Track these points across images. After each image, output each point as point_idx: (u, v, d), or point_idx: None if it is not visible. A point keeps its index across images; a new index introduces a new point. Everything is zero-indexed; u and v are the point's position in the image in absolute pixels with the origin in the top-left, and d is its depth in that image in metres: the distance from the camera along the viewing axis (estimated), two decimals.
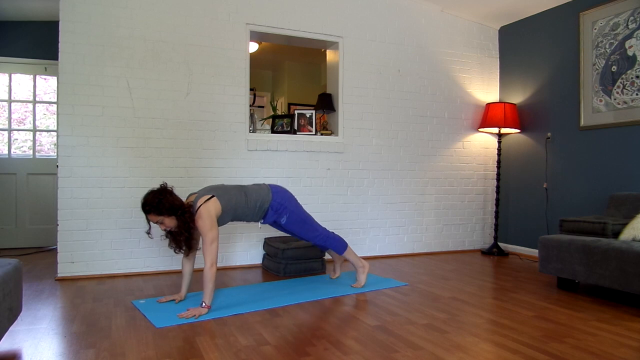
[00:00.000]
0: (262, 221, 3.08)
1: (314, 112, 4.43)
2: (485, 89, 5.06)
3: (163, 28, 3.79)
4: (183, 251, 2.81)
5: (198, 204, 2.70)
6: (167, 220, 2.65)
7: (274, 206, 3.00)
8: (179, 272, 3.75)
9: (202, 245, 2.69)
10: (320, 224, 4.25)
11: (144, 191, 3.68)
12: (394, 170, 4.62)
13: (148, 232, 2.80)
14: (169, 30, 3.81)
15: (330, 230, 3.50)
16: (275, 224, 3.16)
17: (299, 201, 3.23)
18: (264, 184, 3.11)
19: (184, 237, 2.71)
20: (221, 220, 2.84)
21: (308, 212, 4.22)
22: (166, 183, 2.75)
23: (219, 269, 3.83)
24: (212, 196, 2.75)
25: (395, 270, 3.93)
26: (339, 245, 3.28)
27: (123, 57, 3.68)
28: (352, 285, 3.31)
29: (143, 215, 2.69)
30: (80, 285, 3.36)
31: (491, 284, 3.49)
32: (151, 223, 2.73)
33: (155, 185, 3.74)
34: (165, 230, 2.73)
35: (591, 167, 4.10)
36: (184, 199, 2.77)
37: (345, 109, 4.42)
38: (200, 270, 2.90)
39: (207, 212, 2.69)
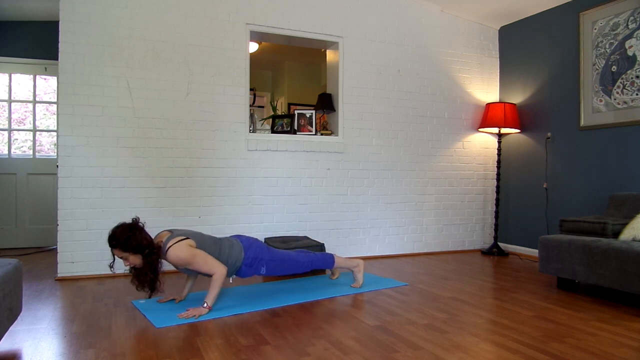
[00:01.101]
0: (233, 277, 2.96)
1: (314, 112, 4.43)
2: (485, 89, 5.06)
3: (163, 28, 3.79)
4: (146, 291, 2.66)
5: (168, 245, 2.59)
6: (132, 257, 2.56)
7: (247, 263, 2.87)
8: (179, 272, 3.75)
9: (201, 271, 2.66)
10: (319, 225, 4.29)
11: (144, 191, 3.73)
12: (394, 170, 4.62)
13: (111, 266, 2.67)
14: (169, 30, 3.81)
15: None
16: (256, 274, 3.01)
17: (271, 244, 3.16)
18: (236, 240, 2.92)
19: (148, 278, 2.59)
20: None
21: (308, 213, 4.26)
22: (138, 218, 2.65)
23: None
24: (186, 237, 2.66)
25: (395, 270, 3.93)
26: (326, 263, 3.22)
27: (123, 57, 3.68)
28: (352, 285, 3.31)
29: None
30: (80, 285, 3.36)
31: (491, 284, 3.49)
32: (115, 257, 2.64)
33: (157, 185, 3.76)
34: (128, 266, 2.63)
35: (591, 167, 4.10)
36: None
37: (345, 109, 4.42)
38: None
39: (179, 249, 2.58)
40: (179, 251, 2.59)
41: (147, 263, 2.58)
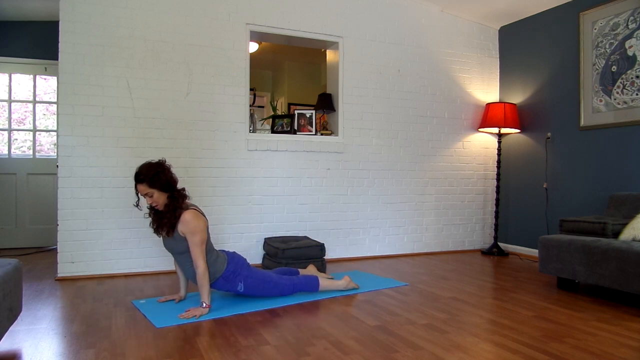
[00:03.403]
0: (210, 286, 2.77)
1: (314, 112, 4.42)
2: (485, 89, 5.06)
3: (163, 28, 3.79)
4: (162, 233, 2.67)
5: (193, 206, 2.67)
6: (157, 195, 2.56)
7: (225, 275, 2.79)
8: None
9: (191, 247, 2.61)
10: (319, 225, 4.29)
11: None
12: (394, 170, 4.62)
13: (137, 204, 2.65)
14: (169, 30, 3.81)
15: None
16: (233, 292, 2.90)
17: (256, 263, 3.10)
18: (222, 253, 2.87)
19: (170, 219, 2.59)
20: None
21: (308, 213, 4.26)
22: (164, 159, 2.67)
23: None
24: (205, 218, 2.71)
25: (395, 270, 3.93)
26: (310, 285, 3.06)
27: (123, 57, 3.68)
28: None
29: (143, 214, 2.65)
30: (80, 285, 3.36)
31: (491, 284, 3.49)
32: (140, 195, 2.61)
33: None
34: (150, 205, 2.63)
35: (591, 167, 4.10)
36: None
37: (345, 109, 4.42)
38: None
39: (197, 215, 2.64)
40: (196, 217, 2.61)
41: (170, 204, 2.58)
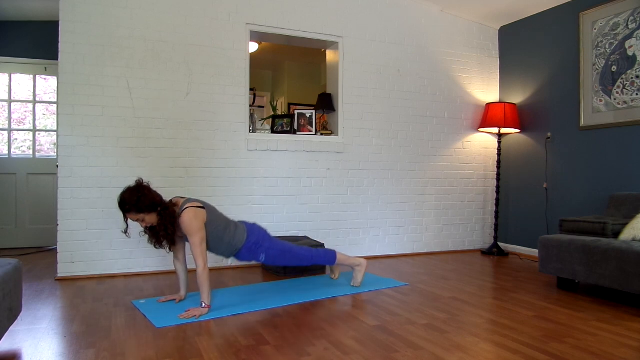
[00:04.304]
0: (233, 257, 2.97)
1: (314, 112, 4.42)
2: (485, 89, 5.06)
3: (163, 28, 3.79)
4: (164, 247, 2.72)
5: (186, 205, 2.67)
6: (148, 217, 2.59)
7: (247, 246, 2.90)
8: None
9: (191, 247, 2.64)
10: (319, 225, 4.29)
11: None
12: (394, 170, 4.62)
13: (125, 232, 2.68)
14: (169, 30, 3.81)
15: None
16: (256, 261, 3.02)
17: (275, 232, 3.19)
18: (242, 224, 2.97)
19: (164, 233, 2.63)
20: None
21: (308, 213, 4.26)
22: (141, 179, 2.68)
23: (219, 269, 3.84)
24: (202, 206, 2.73)
25: (395, 270, 3.93)
26: (327, 259, 3.21)
27: (123, 57, 3.68)
28: (351, 283, 3.32)
29: (138, 232, 2.66)
30: (80, 285, 3.36)
31: (491, 284, 3.49)
32: (129, 222, 2.64)
33: (157, 185, 3.75)
34: (145, 227, 2.67)
35: (591, 167, 4.10)
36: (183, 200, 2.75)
37: (345, 109, 4.42)
38: (195, 270, 2.91)
39: (195, 214, 2.65)
40: (193, 217, 2.63)
41: (162, 219, 2.62)
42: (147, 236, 2.74)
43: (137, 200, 2.54)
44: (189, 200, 2.76)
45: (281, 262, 3.07)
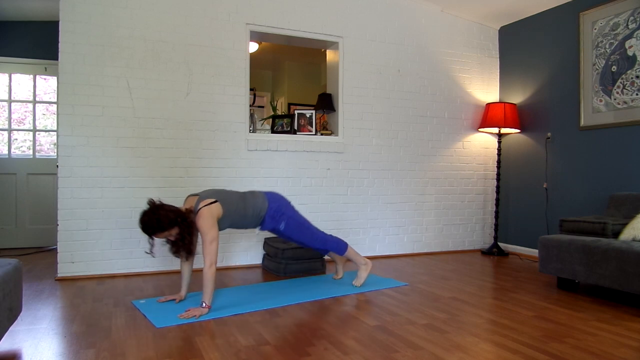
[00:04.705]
0: (259, 228, 3.09)
1: (314, 112, 4.42)
2: (485, 89, 5.06)
3: (163, 28, 3.79)
4: (182, 257, 2.81)
5: (200, 205, 2.71)
6: (173, 231, 2.66)
7: (270, 214, 3.02)
8: (178, 272, 3.75)
9: (202, 245, 2.69)
10: (320, 225, 4.29)
11: (144, 191, 3.73)
12: (394, 170, 4.62)
13: (150, 252, 2.72)
14: (169, 30, 3.81)
15: (329, 233, 3.50)
16: (274, 231, 3.16)
17: (295, 207, 3.25)
18: (259, 192, 3.11)
19: (182, 244, 2.69)
20: (220, 225, 2.84)
21: (308, 213, 4.25)
22: (152, 199, 2.70)
23: (219, 269, 3.83)
24: (215, 201, 2.77)
25: (395, 270, 3.93)
26: (339, 246, 3.29)
27: (123, 57, 3.68)
28: (353, 282, 3.33)
29: (160, 242, 2.70)
30: (80, 285, 3.36)
31: (491, 284, 3.49)
32: (155, 240, 2.71)
33: (157, 185, 3.76)
34: (167, 239, 2.74)
35: (591, 167, 4.10)
36: (181, 201, 2.77)
37: (345, 109, 4.42)
38: (200, 270, 2.91)
39: (209, 212, 2.71)
40: (207, 216, 2.69)
41: (181, 230, 2.67)
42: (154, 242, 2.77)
43: (157, 221, 2.59)
44: (202, 198, 2.78)
45: (298, 236, 3.15)
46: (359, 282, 3.31)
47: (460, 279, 3.64)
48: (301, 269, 3.76)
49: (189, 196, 2.91)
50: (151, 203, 2.67)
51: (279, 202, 3.09)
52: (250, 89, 4.22)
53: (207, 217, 2.69)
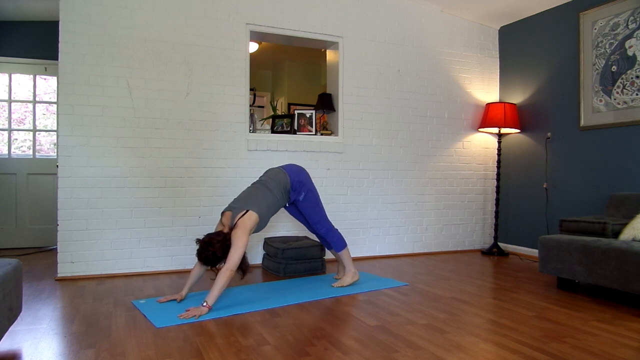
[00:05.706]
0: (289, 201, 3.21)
1: (314, 112, 4.42)
2: (485, 89, 5.06)
3: (163, 28, 3.79)
4: (239, 273, 2.84)
5: (236, 219, 2.84)
6: (227, 254, 2.77)
7: (293, 187, 3.12)
8: (179, 272, 3.75)
9: (231, 248, 2.75)
10: None
11: (144, 191, 3.73)
12: (394, 170, 4.62)
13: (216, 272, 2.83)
14: (169, 30, 3.81)
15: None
16: (294, 203, 3.24)
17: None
18: (277, 169, 3.18)
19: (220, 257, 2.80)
20: (261, 225, 2.98)
21: None
22: (197, 238, 2.82)
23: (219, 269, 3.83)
24: (247, 211, 2.86)
25: (395, 270, 3.93)
26: (339, 241, 3.34)
27: (123, 57, 3.68)
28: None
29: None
30: (80, 285, 3.36)
31: (491, 284, 3.49)
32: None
33: (157, 185, 3.76)
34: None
35: (591, 167, 4.10)
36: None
37: (345, 109, 4.42)
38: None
39: (243, 224, 2.82)
40: (239, 227, 2.81)
41: (224, 252, 2.77)
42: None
43: (213, 254, 2.74)
44: (236, 213, 2.86)
45: (311, 211, 3.21)
46: (340, 284, 3.29)
47: (460, 279, 3.64)
48: (301, 269, 3.76)
49: (223, 212, 2.96)
50: (200, 241, 2.79)
51: (299, 173, 3.17)
52: (250, 89, 4.22)
53: (241, 228, 2.81)
